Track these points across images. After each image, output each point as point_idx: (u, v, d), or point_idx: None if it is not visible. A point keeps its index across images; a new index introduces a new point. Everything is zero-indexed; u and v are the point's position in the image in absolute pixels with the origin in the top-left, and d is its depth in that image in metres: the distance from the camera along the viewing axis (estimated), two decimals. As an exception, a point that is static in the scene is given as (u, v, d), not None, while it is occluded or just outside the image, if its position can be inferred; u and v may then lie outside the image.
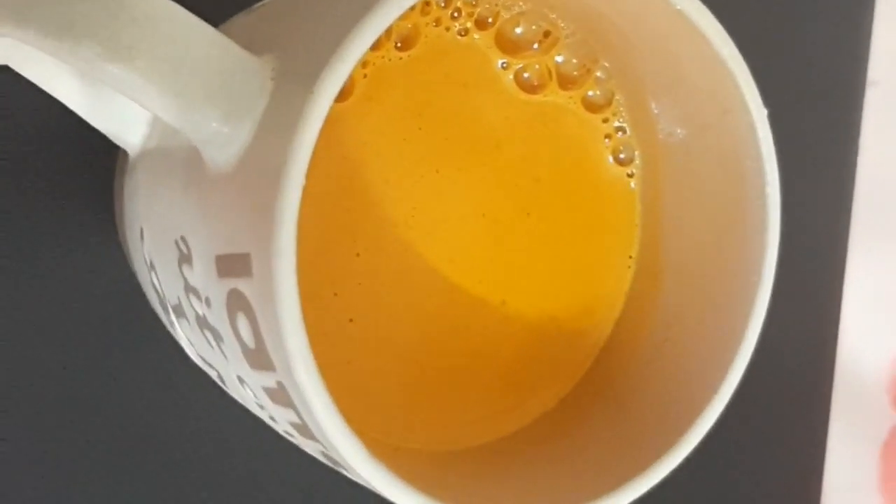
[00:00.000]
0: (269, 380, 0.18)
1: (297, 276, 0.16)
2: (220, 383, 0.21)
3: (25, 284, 0.25)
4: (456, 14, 0.20)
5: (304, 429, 0.18)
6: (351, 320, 0.20)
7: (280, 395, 0.18)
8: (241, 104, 0.17)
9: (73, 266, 0.25)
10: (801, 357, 0.36)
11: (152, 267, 0.21)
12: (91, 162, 0.25)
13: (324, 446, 0.18)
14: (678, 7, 0.19)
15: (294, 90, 0.17)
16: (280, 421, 0.19)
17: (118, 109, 0.21)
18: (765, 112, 0.19)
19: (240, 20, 0.22)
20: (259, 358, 0.18)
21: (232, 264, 0.18)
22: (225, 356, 0.19)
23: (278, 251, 0.16)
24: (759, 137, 0.19)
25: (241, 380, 0.19)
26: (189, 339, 0.21)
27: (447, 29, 0.20)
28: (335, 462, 0.18)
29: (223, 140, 0.17)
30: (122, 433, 0.26)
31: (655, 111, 0.21)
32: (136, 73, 0.17)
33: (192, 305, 0.19)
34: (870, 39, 0.36)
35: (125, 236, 0.24)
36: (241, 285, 0.17)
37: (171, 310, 0.21)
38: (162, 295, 0.21)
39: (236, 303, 0.18)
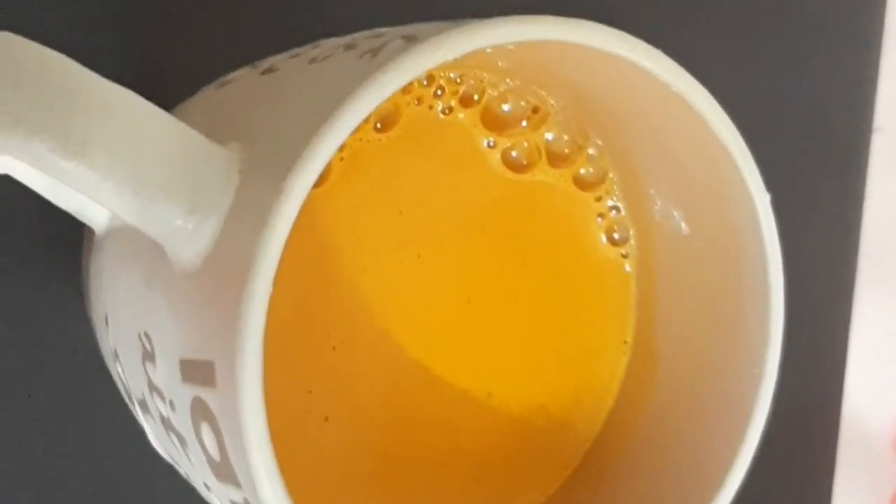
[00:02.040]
0: (236, 495, 0.16)
1: (263, 388, 0.15)
2: (187, 479, 0.20)
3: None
4: (439, 92, 0.19)
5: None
6: (326, 419, 0.19)
7: (248, 511, 0.16)
8: (206, 199, 0.16)
9: (41, 342, 0.24)
10: (806, 413, 0.35)
11: (117, 356, 0.20)
12: (60, 233, 0.24)
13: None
14: (675, 89, 0.17)
15: (262, 186, 0.16)
16: (249, 532, 0.18)
17: (80, 189, 0.20)
18: (767, 198, 0.18)
19: (204, 98, 0.21)
20: (225, 471, 0.16)
21: (196, 371, 0.16)
22: (191, 461, 0.18)
23: (242, 364, 0.15)
24: (760, 224, 0.18)
25: (207, 487, 0.18)
26: (155, 436, 0.20)
27: (430, 107, 0.19)
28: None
29: (187, 237, 0.16)
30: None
31: (651, 191, 0.20)
32: (91, 169, 0.16)
33: (156, 405, 0.18)
34: (876, 85, 0.35)
35: (91, 316, 0.22)
36: (205, 395, 0.16)
37: (136, 403, 0.20)
38: (127, 387, 0.20)
39: (200, 412, 0.16)
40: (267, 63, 0.19)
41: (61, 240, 0.24)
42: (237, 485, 0.16)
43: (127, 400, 0.21)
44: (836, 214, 0.33)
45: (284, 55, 0.20)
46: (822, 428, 0.36)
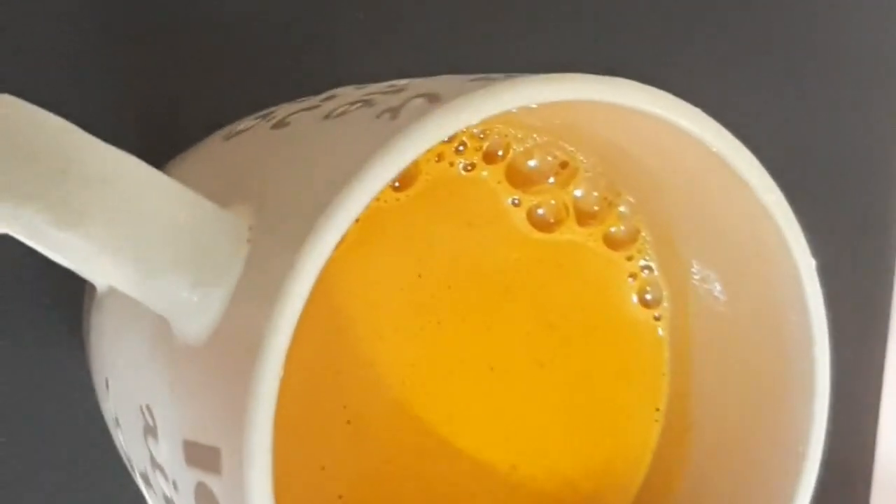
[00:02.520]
0: (243, 588, 0.15)
1: (272, 479, 0.14)
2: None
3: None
4: (461, 148, 0.18)
5: None
6: (340, 497, 0.18)
7: None
8: (213, 270, 0.15)
9: (43, 401, 0.23)
10: (840, 469, 0.34)
11: (118, 424, 0.19)
12: (63, 285, 0.23)
13: None
14: (714, 149, 0.16)
15: (274, 257, 0.14)
16: None
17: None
18: (813, 264, 0.17)
19: (210, 149, 0.19)
20: (231, 564, 0.15)
21: (200, 455, 0.15)
22: (195, 547, 0.17)
23: (250, 456, 0.14)
24: (805, 293, 0.17)
25: (213, 573, 0.17)
26: (158, 511, 0.19)
27: (451, 164, 0.18)
28: None
29: (192, 310, 0.15)
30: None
31: (685, 253, 0.19)
32: (88, 241, 0.14)
33: (159, 482, 0.17)
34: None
35: (92, 374, 0.21)
36: (210, 481, 0.15)
37: (138, 475, 0.19)
38: (128, 457, 0.19)
39: (205, 498, 0.15)
40: (278, 114, 0.18)
41: (65, 292, 0.23)
42: (244, 579, 0.15)
43: (130, 469, 0.20)
44: (869, 271, 0.32)
45: (296, 105, 0.18)
46: (856, 488, 0.35)
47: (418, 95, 0.16)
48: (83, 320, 0.22)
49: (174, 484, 0.16)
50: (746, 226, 0.17)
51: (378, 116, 0.15)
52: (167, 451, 0.16)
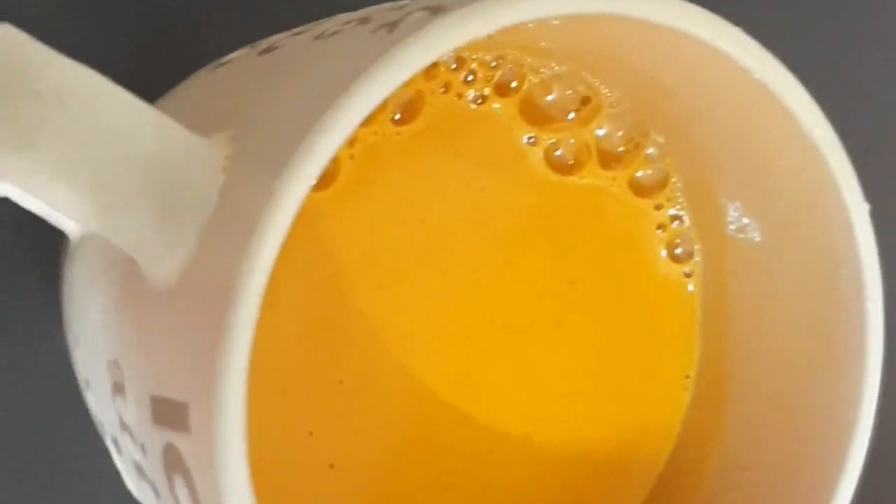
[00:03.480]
0: (215, 563, 0.13)
1: (245, 437, 0.12)
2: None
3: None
4: (470, 78, 0.16)
5: None
6: (331, 466, 0.16)
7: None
8: (184, 203, 0.13)
9: (14, 356, 0.21)
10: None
11: (88, 385, 0.17)
12: (38, 236, 0.21)
13: None
14: (757, 76, 0.14)
15: (251, 186, 0.13)
16: None
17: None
18: (866, 208, 0.15)
19: (196, 82, 0.18)
20: (202, 536, 0.13)
21: (168, 412, 0.13)
22: (165, 516, 0.15)
23: (220, 409, 0.12)
24: (857, 240, 0.15)
25: (186, 547, 0.15)
26: (128, 479, 0.17)
27: (459, 96, 0.16)
28: None
29: (159, 249, 0.13)
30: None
31: (722, 198, 0.17)
32: (39, 165, 0.13)
33: (128, 446, 0.15)
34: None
35: (66, 334, 0.19)
36: (178, 441, 0.13)
37: (109, 440, 0.17)
38: (100, 423, 0.17)
39: (173, 461, 0.13)
40: (267, 42, 0.16)
41: (42, 244, 0.21)
42: (216, 552, 0.13)
43: (101, 433, 0.18)
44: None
45: (288, 33, 0.17)
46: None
47: (420, 8, 0.14)
48: (60, 278, 0.20)
49: (143, 447, 0.15)
50: (792, 166, 0.15)
51: (374, 31, 0.14)
52: (135, 409, 0.14)
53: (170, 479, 0.14)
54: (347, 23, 0.15)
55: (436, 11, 0.13)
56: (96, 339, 0.16)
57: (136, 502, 0.18)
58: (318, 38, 0.15)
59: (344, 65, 0.13)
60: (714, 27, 0.14)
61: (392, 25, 0.13)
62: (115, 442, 0.16)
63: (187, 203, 0.13)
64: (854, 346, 0.15)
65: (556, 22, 0.13)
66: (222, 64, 0.17)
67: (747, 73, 0.14)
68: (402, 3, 0.15)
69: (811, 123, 0.15)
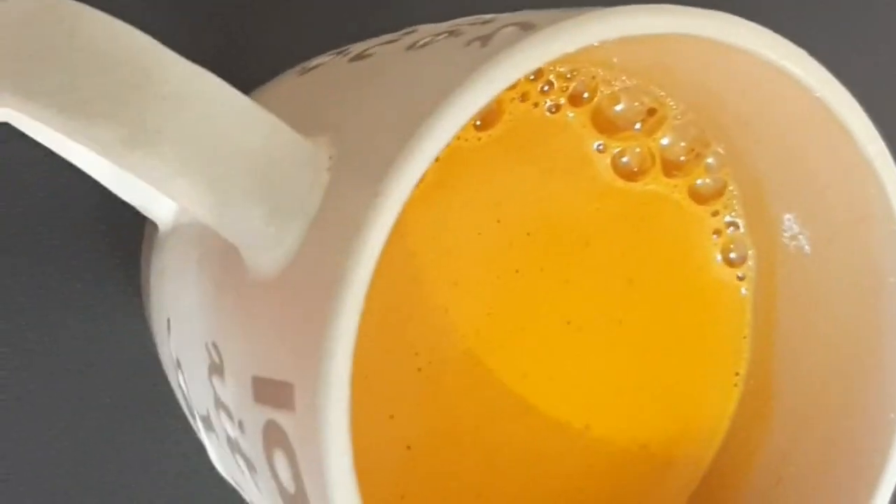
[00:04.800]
0: (311, 533, 0.15)
1: (349, 417, 0.13)
2: (250, 506, 0.18)
3: (44, 359, 0.22)
4: (546, 88, 0.17)
5: None
6: (409, 447, 0.17)
7: (322, 550, 0.15)
8: (291, 199, 0.14)
9: (95, 342, 0.22)
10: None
11: (179, 366, 0.18)
12: (117, 226, 0.22)
13: None
14: (817, 94, 0.15)
15: (356, 188, 0.14)
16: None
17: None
18: (915, 222, 0.16)
19: (283, 85, 0.19)
20: (298, 505, 0.14)
21: (271, 391, 0.14)
22: (258, 488, 0.16)
23: (327, 390, 0.13)
24: (905, 252, 0.16)
25: (275, 518, 0.16)
26: (218, 456, 0.18)
27: (535, 105, 0.17)
28: None
29: (267, 241, 0.14)
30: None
31: (776, 207, 0.18)
32: (163, 162, 0.14)
33: (222, 423, 0.16)
34: None
35: (151, 318, 0.21)
36: (281, 419, 0.14)
37: (198, 418, 0.18)
38: (189, 400, 0.18)
39: (274, 437, 0.15)
40: (356, 49, 0.18)
41: (121, 233, 0.22)
42: (313, 523, 0.14)
43: (188, 414, 0.19)
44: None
45: (375, 41, 0.18)
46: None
47: (510, 24, 0.15)
48: (141, 264, 0.22)
49: (240, 424, 0.16)
50: (844, 178, 0.16)
51: (467, 44, 0.15)
52: (234, 389, 0.16)
53: (268, 454, 0.15)
54: (437, 35, 0.16)
55: (526, 28, 0.14)
56: (193, 322, 0.17)
57: (216, 477, 0.20)
58: (409, 48, 0.16)
59: (442, 74, 0.14)
60: (779, 47, 0.15)
61: (484, 40, 0.14)
62: (206, 419, 0.17)
63: (294, 199, 0.14)
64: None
65: (631, 40, 0.14)
66: (310, 68, 0.18)
67: (808, 91, 0.15)
68: (487, 17, 0.16)
69: (866, 140, 0.16)
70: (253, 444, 0.15)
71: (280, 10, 0.23)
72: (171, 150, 0.14)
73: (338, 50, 0.18)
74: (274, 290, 0.14)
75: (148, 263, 0.20)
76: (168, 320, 0.18)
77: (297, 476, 0.14)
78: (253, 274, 0.15)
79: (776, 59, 0.15)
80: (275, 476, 0.15)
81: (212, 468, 0.20)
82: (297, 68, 0.19)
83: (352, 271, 0.13)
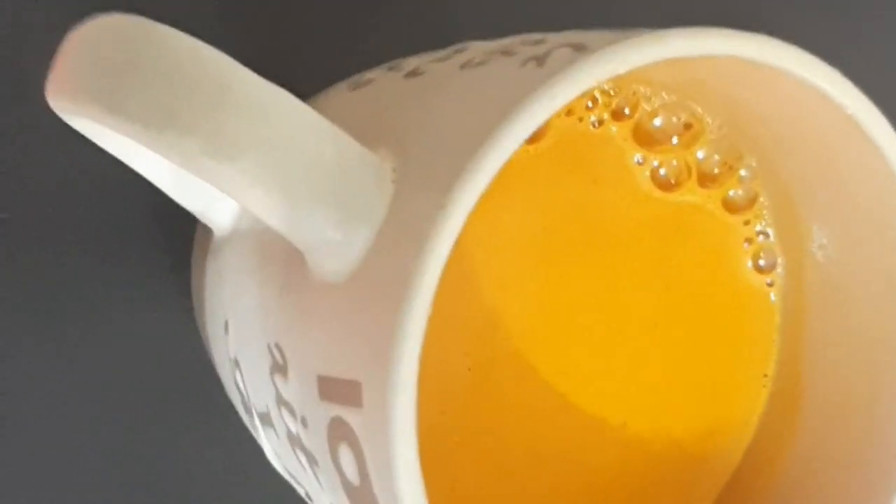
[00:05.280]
0: (374, 522, 0.15)
1: (416, 416, 0.14)
2: (306, 499, 0.19)
3: (93, 354, 0.23)
4: (591, 104, 0.18)
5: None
6: (458, 442, 0.18)
7: (385, 539, 0.15)
8: (359, 208, 0.15)
9: (144, 341, 0.23)
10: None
11: (237, 365, 0.19)
12: (169, 231, 0.23)
13: None
14: (849, 112, 0.16)
15: (422, 199, 0.15)
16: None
17: (206, 188, 0.19)
18: (939, 231, 0.17)
19: (335, 99, 0.20)
20: (362, 498, 0.15)
21: (338, 389, 0.15)
22: (319, 483, 0.17)
23: (395, 388, 0.14)
24: (929, 260, 0.17)
25: (335, 509, 0.17)
26: (275, 452, 0.19)
27: (580, 119, 0.18)
28: None
29: (334, 248, 0.15)
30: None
31: (806, 218, 0.19)
32: (241, 174, 0.15)
33: (283, 419, 0.17)
34: None
35: (203, 320, 0.22)
36: (348, 415, 0.15)
37: (256, 415, 0.19)
38: (246, 398, 0.19)
39: (340, 432, 0.15)
40: (406, 65, 0.18)
41: (173, 238, 0.23)
42: (377, 513, 0.15)
43: (242, 411, 0.20)
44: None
45: (424, 57, 0.19)
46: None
47: (562, 45, 0.16)
48: (192, 269, 0.22)
49: (303, 420, 0.17)
50: (872, 191, 0.17)
51: (523, 64, 0.16)
52: (298, 387, 0.16)
53: (332, 449, 0.16)
54: (489, 54, 0.17)
55: (578, 49, 0.15)
56: (254, 323, 0.18)
57: (267, 471, 0.21)
58: (464, 66, 0.17)
59: (503, 92, 0.15)
60: (816, 68, 0.16)
61: (540, 60, 0.15)
62: (265, 416, 0.18)
63: (362, 208, 0.15)
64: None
65: (680, 59, 0.15)
66: (363, 83, 0.19)
67: (841, 109, 0.16)
68: (537, 37, 0.17)
69: (893, 153, 0.17)
70: (316, 440, 0.16)
71: (318, 24, 0.24)
72: (249, 162, 0.15)
73: (387, 65, 0.19)
74: (341, 293, 0.15)
75: (202, 267, 0.21)
76: (226, 322, 0.19)
77: (362, 469, 0.15)
78: (318, 278, 0.16)
79: (813, 78, 0.16)
80: (338, 469, 0.16)
81: (261, 463, 0.21)
82: (348, 82, 0.20)
83: (421, 277, 0.14)
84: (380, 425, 0.14)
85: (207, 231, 0.21)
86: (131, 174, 0.20)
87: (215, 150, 0.15)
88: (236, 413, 0.21)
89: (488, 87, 0.16)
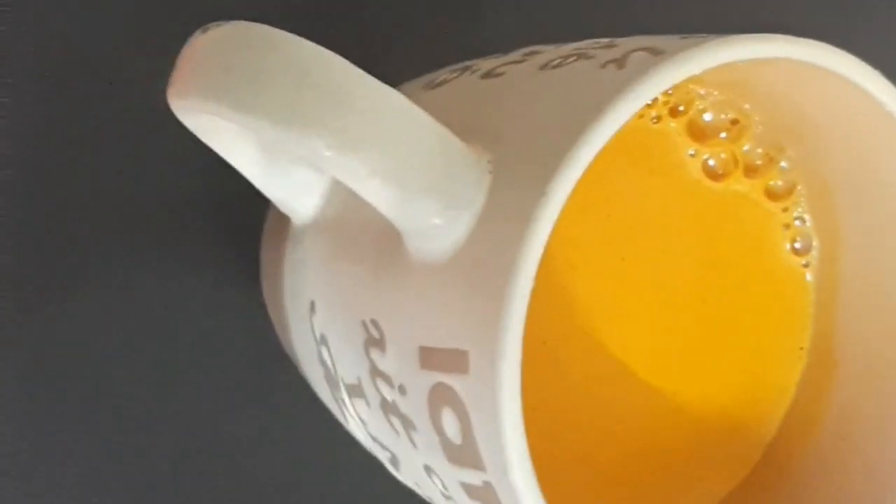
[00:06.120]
0: (474, 478, 0.17)
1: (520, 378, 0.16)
2: (387, 465, 0.21)
3: (157, 335, 0.25)
4: (651, 102, 0.20)
5: (504, 528, 0.17)
6: (535, 409, 0.20)
7: (483, 493, 0.17)
8: (460, 199, 0.17)
9: (216, 326, 0.25)
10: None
11: (324, 342, 0.21)
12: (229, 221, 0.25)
13: (526, 547, 0.17)
14: (888, 109, 0.18)
15: (520, 189, 0.16)
16: (469, 514, 0.18)
17: (292, 180, 0.21)
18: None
19: (416, 98, 0.21)
20: (464, 455, 0.17)
21: (441, 358, 0.17)
22: (414, 445, 0.19)
23: (504, 354, 0.16)
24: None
25: (428, 469, 0.19)
26: (361, 419, 0.21)
27: (641, 116, 0.20)
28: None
29: (436, 232, 0.17)
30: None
31: (839, 203, 0.21)
32: (363, 165, 0.16)
33: (377, 389, 0.19)
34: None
35: (281, 302, 0.23)
36: (452, 381, 0.17)
37: (343, 387, 0.21)
38: (333, 371, 0.21)
39: (442, 397, 0.17)
40: (480, 67, 0.20)
41: (239, 230, 0.25)
42: (479, 468, 0.17)
43: (325, 385, 0.22)
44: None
45: (495, 60, 0.20)
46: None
47: (637, 49, 0.18)
48: (264, 255, 0.24)
49: (401, 388, 0.18)
50: (904, 180, 0.19)
51: (603, 66, 0.17)
52: (397, 359, 0.18)
53: (433, 413, 0.18)
54: (565, 58, 0.19)
55: (655, 52, 0.17)
56: (347, 303, 0.20)
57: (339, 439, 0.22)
58: (542, 68, 0.19)
59: (591, 91, 0.17)
60: (859, 69, 0.18)
61: (619, 63, 0.17)
62: (356, 388, 0.20)
63: (463, 196, 0.17)
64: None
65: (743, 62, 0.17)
66: (437, 83, 0.21)
67: (881, 107, 0.18)
68: (604, 41, 0.19)
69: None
70: (415, 405, 0.18)
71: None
72: (369, 155, 0.16)
73: (459, 67, 0.21)
74: (444, 272, 0.17)
75: (279, 253, 0.23)
76: (312, 303, 0.21)
77: (465, 430, 0.17)
78: (419, 259, 0.18)
79: (855, 77, 0.18)
80: (439, 431, 0.18)
81: (329, 433, 0.22)
82: (420, 82, 0.22)
83: (526, 255, 0.16)
84: (486, 390, 0.16)
85: (284, 220, 0.22)
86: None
87: (340, 146, 0.16)
88: (305, 389, 0.23)
89: (574, 86, 0.17)
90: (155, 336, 0.25)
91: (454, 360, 0.17)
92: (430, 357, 0.17)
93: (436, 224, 0.17)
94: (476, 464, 0.17)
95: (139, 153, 0.24)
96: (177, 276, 0.25)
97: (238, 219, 0.25)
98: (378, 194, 0.17)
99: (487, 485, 0.17)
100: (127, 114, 0.24)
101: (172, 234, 0.25)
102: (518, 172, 0.17)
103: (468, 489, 0.18)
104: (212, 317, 0.25)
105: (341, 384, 0.21)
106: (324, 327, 0.21)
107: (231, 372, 0.25)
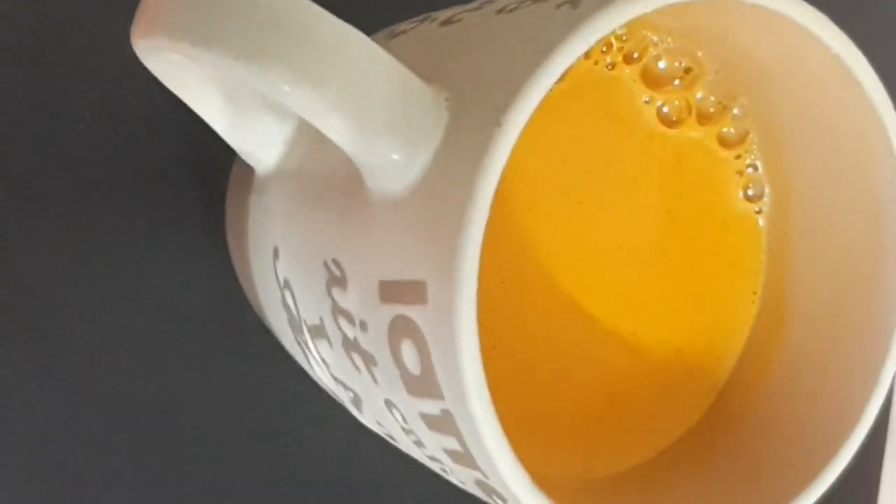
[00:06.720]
0: (432, 407, 0.18)
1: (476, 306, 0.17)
2: (350, 406, 0.21)
3: (126, 291, 0.25)
4: (605, 48, 0.20)
5: (462, 457, 0.18)
6: (493, 347, 0.20)
7: (441, 422, 0.18)
8: (419, 135, 0.17)
9: (178, 277, 0.25)
10: None
11: (287, 286, 0.21)
12: (195, 176, 0.25)
13: (484, 475, 0.18)
14: (834, 51, 0.19)
15: (476, 123, 0.17)
16: (430, 446, 0.19)
17: (257, 129, 0.21)
18: (910, 157, 0.20)
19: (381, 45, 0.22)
20: (423, 385, 0.18)
21: (400, 291, 0.18)
22: (374, 380, 0.19)
23: (460, 281, 0.16)
24: (902, 182, 0.20)
25: (389, 404, 0.19)
26: (324, 360, 0.21)
27: (596, 63, 0.21)
28: (490, 491, 0.18)
29: (395, 169, 0.18)
30: (232, 452, 0.26)
31: (790, 150, 0.21)
32: (323, 101, 0.17)
33: (339, 328, 0.20)
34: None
35: (245, 251, 0.24)
36: (411, 312, 0.17)
37: (306, 330, 0.21)
38: (296, 315, 0.21)
39: (401, 329, 0.18)
40: (441, 16, 0.21)
41: (205, 182, 0.25)
42: (437, 397, 0.17)
43: (288, 329, 0.22)
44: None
45: (456, 9, 0.21)
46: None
47: (591, -8, 0.18)
48: (229, 205, 0.24)
49: (362, 324, 0.19)
50: (852, 123, 0.20)
51: (558, 7, 0.18)
52: (358, 295, 0.19)
53: (393, 345, 0.18)
54: (522, 1, 0.19)
55: (607, -6, 0.18)
56: (309, 246, 0.20)
57: (303, 388, 0.23)
58: (500, 12, 0.19)
59: (545, 30, 0.17)
60: (803, 9, 0.18)
61: (573, 3, 0.18)
62: (318, 328, 0.20)
63: (421, 133, 0.17)
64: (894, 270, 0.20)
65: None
66: (399, 32, 0.21)
67: (827, 49, 0.19)
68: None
69: (872, 89, 0.19)
70: (376, 340, 0.18)
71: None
72: (329, 91, 0.17)
73: (418, 18, 0.22)
74: (403, 206, 0.18)
75: (243, 203, 0.23)
76: (275, 248, 0.21)
77: (425, 360, 0.17)
78: (378, 196, 0.18)
79: (801, 19, 0.18)
80: (398, 363, 0.18)
81: (298, 380, 0.23)
82: (383, 33, 0.22)
83: (482, 187, 0.16)
84: (444, 317, 0.17)
85: (248, 170, 0.23)
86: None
87: (300, 81, 0.17)
88: (266, 334, 0.24)
89: (529, 26, 0.18)
90: (120, 292, 0.25)
91: (413, 292, 0.17)
92: (389, 290, 0.18)
93: (395, 160, 0.17)
94: (434, 393, 0.17)
95: (104, 108, 0.25)
96: (143, 232, 0.25)
97: (204, 173, 0.25)
98: (338, 130, 0.17)
99: (446, 413, 0.17)
100: (92, 69, 0.24)
101: (140, 191, 0.25)
102: (474, 108, 0.17)
103: (427, 419, 0.18)
104: (178, 271, 0.25)
105: (304, 326, 0.21)
106: (287, 271, 0.21)
107: (199, 329, 0.25)
